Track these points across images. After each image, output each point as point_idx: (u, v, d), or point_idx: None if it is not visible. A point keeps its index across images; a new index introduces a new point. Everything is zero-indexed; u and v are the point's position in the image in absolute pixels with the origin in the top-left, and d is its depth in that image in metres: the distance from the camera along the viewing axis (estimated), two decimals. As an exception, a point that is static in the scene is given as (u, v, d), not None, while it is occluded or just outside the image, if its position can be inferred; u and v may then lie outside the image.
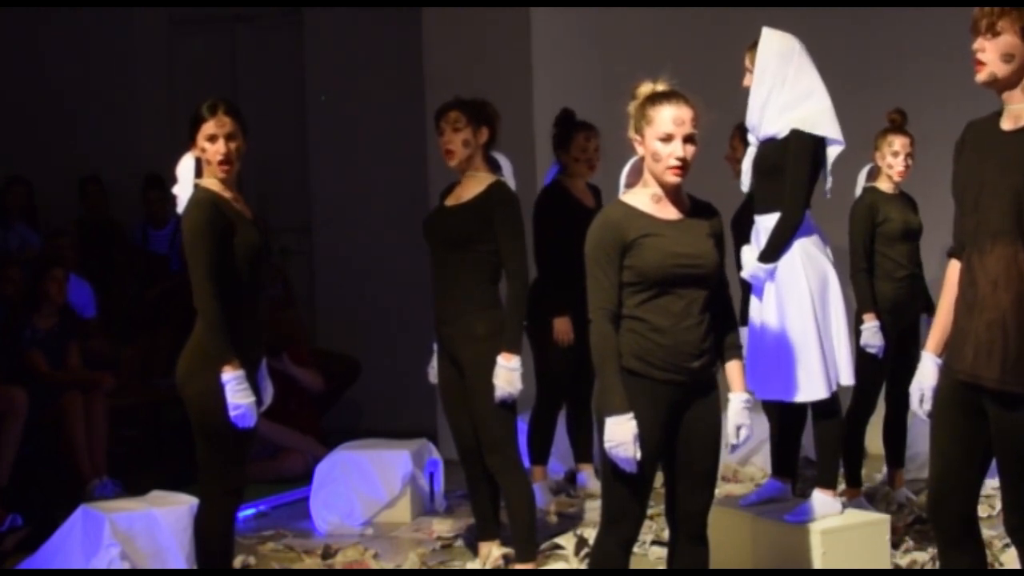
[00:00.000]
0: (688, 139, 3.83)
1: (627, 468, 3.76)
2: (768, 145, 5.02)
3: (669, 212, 3.90)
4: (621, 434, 3.74)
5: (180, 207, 4.51)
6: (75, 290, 7.71)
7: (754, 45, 5.04)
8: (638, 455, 3.75)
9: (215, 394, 4.36)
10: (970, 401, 3.57)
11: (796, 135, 4.94)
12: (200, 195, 4.46)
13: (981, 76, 3.55)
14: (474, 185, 5.13)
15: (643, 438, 3.76)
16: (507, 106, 5.97)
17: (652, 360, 3.81)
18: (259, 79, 9.55)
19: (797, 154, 4.94)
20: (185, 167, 4.56)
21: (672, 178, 3.85)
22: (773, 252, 4.94)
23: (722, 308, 3.97)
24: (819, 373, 4.90)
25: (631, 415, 3.75)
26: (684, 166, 3.84)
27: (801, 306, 4.91)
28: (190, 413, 4.48)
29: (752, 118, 5.02)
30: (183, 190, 4.53)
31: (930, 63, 7.34)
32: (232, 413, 4.35)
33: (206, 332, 4.43)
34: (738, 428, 3.99)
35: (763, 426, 6.15)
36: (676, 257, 3.81)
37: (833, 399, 5.02)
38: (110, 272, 8.68)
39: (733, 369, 4.01)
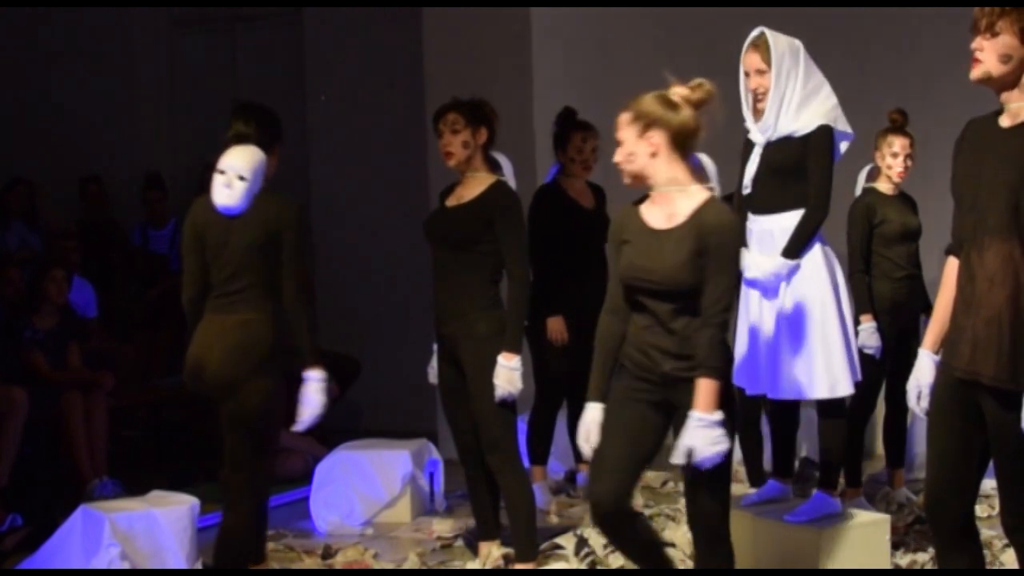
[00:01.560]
0: (619, 142, 3.95)
1: (583, 451, 4.00)
2: (782, 144, 5.01)
3: (657, 219, 3.93)
4: (586, 418, 4.01)
5: (243, 200, 4.58)
6: (77, 290, 7.71)
7: (756, 47, 5.03)
8: (592, 441, 3.96)
9: (275, 394, 4.51)
10: (967, 399, 3.57)
11: (822, 130, 4.95)
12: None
13: (975, 73, 3.56)
14: (475, 185, 5.14)
15: (611, 425, 3.94)
16: (507, 106, 5.97)
17: (629, 355, 3.97)
18: (259, 79, 9.54)
19: (822, 149, 4.96)
20: (256, 162, 4.62)
21: (625, 180, 3.97)
22: (799, 248, 4.94)
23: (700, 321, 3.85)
24: (844, 369, 4.94)
25: (600, 405, 4.00)
26: (622, 170, 3.94)
27: (825, 303, 4.93)
28: (241, 410, 4.49)
29: (769, 118, 5.01)
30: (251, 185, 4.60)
31: (930, 63, 7.34)
32: (318, 411, 4.58)
33: (306, 332, 4.58)
34: (688, 450, 3.76)
35: (762, 426, 6.16)
36: (633, 269, 3.90)
37: (842, 399, 5.03)
38: (110, 272, 8.69)
39: (698, 386, 3.80)
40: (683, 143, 3.92)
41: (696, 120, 3.91)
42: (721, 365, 3.81)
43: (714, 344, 3.80)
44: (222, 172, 4.60)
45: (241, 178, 4.58)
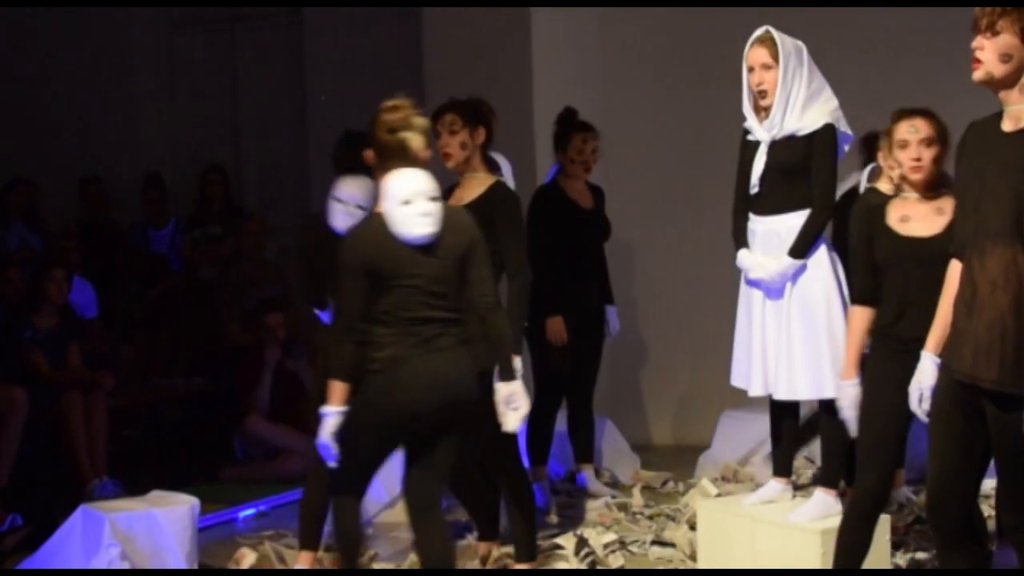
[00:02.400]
0: None
1: None
2: (787, 142, 5.01)
3: None
4: None
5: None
6: (77, 290, 7.71)
7: (763, 42, 5.02)
8: None
9: None
10: (969, 401, 3.58)
11: (827, 129, 4.96)
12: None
13: (977, 74, 3.57)
14: (474, 186, 5.13)
15: None
16: (507, 106, 5.98)
17: None
18: (259, 79, 9.54)
19: (828, 147, 4.97)
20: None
21: None
22: (806, 248, 4.95)
23: None
24: None
25: None
26: None
27: (831, 303, 4.94)
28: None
29: (776, 116, 5.01)
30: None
31: (931, 63, 7.34)
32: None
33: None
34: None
35: (763, 426, 6.15)
36: None
37: None
38: (110, 272, 8.69)
39: None
40: (381, 159, 4.20)
41: (386, 138, 4.16)
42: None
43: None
44: (340, 201, 5.08)
45: (359, 207, 4.93)
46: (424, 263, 4.18)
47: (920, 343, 4.16)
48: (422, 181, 4.19)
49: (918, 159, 4.30)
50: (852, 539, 4.32)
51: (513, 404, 4.33)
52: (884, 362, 4.33)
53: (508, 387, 4.35)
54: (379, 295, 4.17)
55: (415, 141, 4.23)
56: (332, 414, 4.19)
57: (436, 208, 4.19)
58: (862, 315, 4.45)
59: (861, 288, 4.46)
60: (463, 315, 4.34)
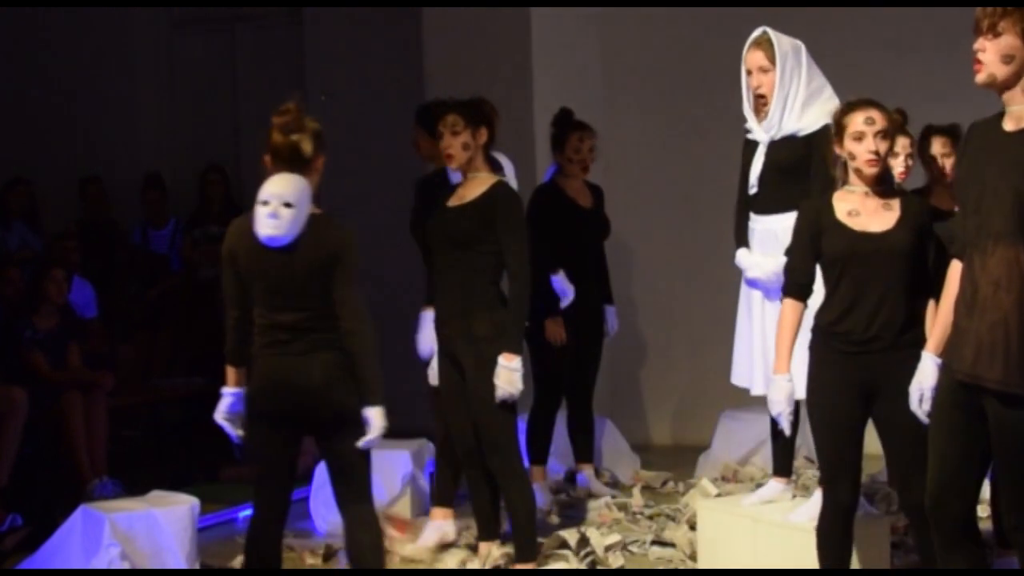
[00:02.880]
0: None
1: None
2: (786, 142, 5.01)
3: None
4: None
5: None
6: (77, 290, 7.71)
7: (759, 45, 5.03)
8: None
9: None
10: (969, 401, 3.58)
11: (827, 129, 4.94)
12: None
13: (980, 77, 3.57)
14: (477, 186, 5.14)
15: None
16: (507, 106, 5.98)
17: None
18: (259, 79, 9.54)
19: (827, 148, 4.95)
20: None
21: None
22: None
23: None
24: None
25: None
26: None
27: None
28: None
29: (774, 117, 5.01)
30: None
31: (932, 63, 7.34)
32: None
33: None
34: None
35: (763, 426, 6.15)
36: None
37: None
38: (110, 272, 8.69)
39: None
40: (275, 161, 4.23)
41: (279, 140, 4.23)
42: None
43: None
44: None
45: None
46: (273, 266, 4.18)
47: (870, 345, 4.13)
48: (286, 186, 4.16)
49: (876, 152, 4.23)
50: (833, 540, 4.31)
51: (370, 428, 4.27)
52: (831, 365, 4.24)
53: (367, 412, 4.32)
54: (247, 288, 4.26)
55: (306, 144, 4.25)
56: (224, 395, 4.39)
57: (288, 215, 4.12)
58: (796, 309, 4.35)
59: (800, 282, 4.36)
60: (329, 324, 4.28)
